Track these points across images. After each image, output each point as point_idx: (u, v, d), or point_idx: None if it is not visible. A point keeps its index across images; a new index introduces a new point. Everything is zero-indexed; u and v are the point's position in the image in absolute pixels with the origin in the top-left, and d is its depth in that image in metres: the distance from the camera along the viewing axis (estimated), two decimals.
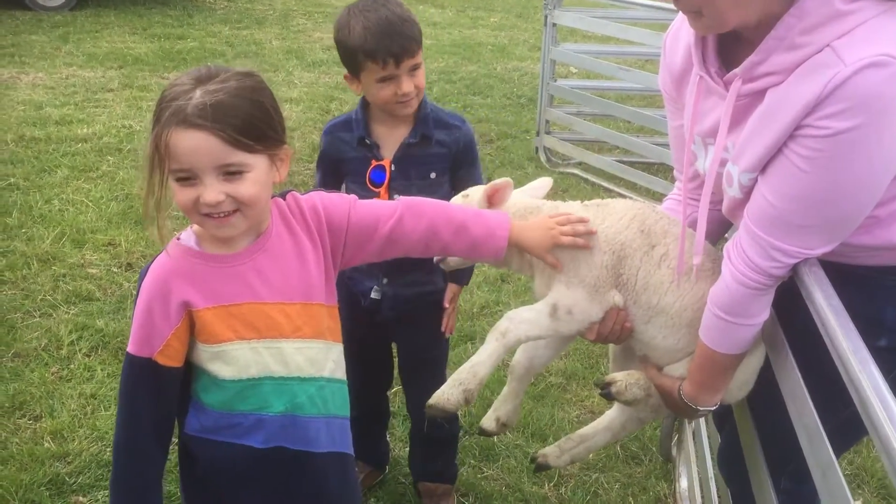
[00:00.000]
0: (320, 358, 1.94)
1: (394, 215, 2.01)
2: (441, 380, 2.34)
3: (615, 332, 2.14)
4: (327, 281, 1.97)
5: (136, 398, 1.82)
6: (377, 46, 2.38)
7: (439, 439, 2.97)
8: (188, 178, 1.69)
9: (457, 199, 2.33)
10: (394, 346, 3.01)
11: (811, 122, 1.60)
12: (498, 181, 2.21)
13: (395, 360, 3.05)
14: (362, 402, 3.01)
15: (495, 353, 2.10)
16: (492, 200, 2.22)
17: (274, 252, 1.87)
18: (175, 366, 1.82)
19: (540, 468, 2.53)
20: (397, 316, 2.71)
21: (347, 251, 2.00)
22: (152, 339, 1.78)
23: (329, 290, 1.98)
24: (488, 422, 2.39)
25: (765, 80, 1.69)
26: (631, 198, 2.33)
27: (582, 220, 2.10)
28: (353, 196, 2.04)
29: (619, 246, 2.09)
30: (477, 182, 2.56)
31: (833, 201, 1.67)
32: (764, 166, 1.74)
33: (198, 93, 1.67)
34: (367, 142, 2.57)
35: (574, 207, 2.20)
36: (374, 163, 2.56)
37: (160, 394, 1.83)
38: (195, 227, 1.85)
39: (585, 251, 2.09)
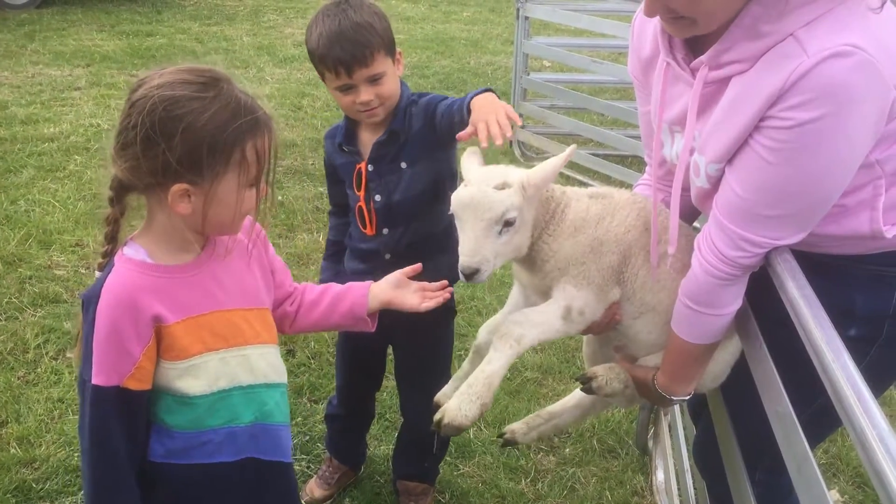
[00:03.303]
0: (279, 363, 1.92)
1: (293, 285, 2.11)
2: (443, 381, 2.31)
3: (603, 325, 2.13)
4: (269, 287, 1.97)
5: (110, 434, 1.70)
6: (327, 54, 2.34)
7: (432, 443, 2.95)
8: None
9: (492, 176, 1.97)
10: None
11: (775, 114, 1.59)
12: (568, 151, 2.00)
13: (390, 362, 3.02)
14: (351, 402, 3.01)
15: (510, 362, 1.98)
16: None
17: (222, 258, 1.83)
18: (146, 389, 1.73)
19: (507, 444, 2.50)
20: (393, 321, 2.67)
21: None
22: (121, 365, 1.67)
23: (271, 296, 1.98)
24: (447, 398, 2.24)
25: (730, 67, 1.68)
26: None
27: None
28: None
29: (627, 246, 2.04)
30: (454, 100, 2.38)
31: (799, 192, 1.66)
32: (731, 157, 1.72)
33: None
34: (345, 148, 2.55)
35: (583, 201, 2.08)
36: (357, 167, 2.53)
37: (132, 423, 1.73)
38: (140, 239, 1.76)
39: (596, 253, 2.02)
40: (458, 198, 1.93)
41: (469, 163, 2.10)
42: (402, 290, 2.15)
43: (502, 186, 1.92)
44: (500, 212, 1.90)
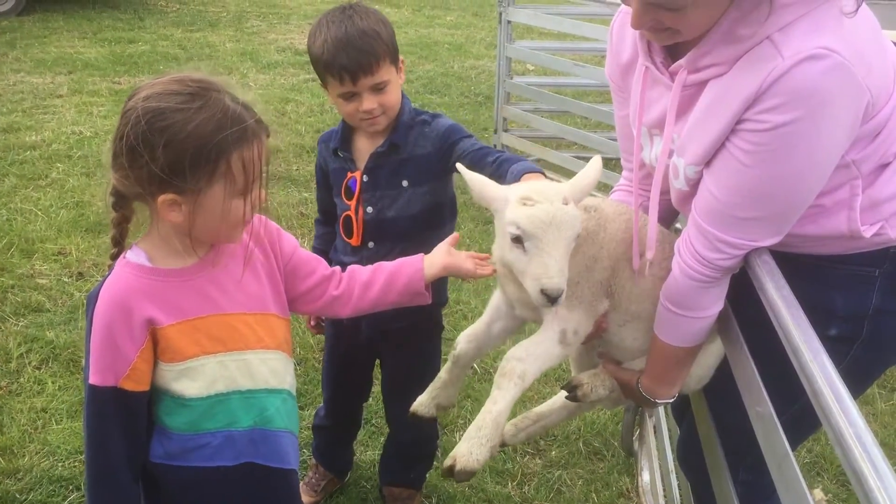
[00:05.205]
0: (282, 370, 1.91)
1: (329, 269, 2.08)
2: None
3: (591, 336, 2.13)
4: (278, 293, 1.95)
5: (106, 433, 1.73)
6: (332, 61, 2.30)
7: (419, 455, 2.97)
8: None
9: (551, 192, 1.85)
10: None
11: (751, 117, 1.60)
12: (598, 164, 1.96)
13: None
14: (338, 412, 3.00)
15: (515, 399, 1.95)
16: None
17: (226, 262, 1.83)
18: (143, 390, 1.75)
19: None
20: (377, 333, 2.66)
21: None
22: (116, 365, 1.70)
23: (281, 302, 1.95)
24: (425, 408, 2.25)
25: (708, 70, 1.69)
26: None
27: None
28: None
29: (616, 260, 2.03)
30: (485, 149, 2.29)
31: (775, 194, 1.67)
32: (709, 160, 1.74)
33: None
34: (340, 154, 2.52)
35: (580, 215, 2.02)
36: (349, 175, 2.50)
37: (130, 423, 1.75)
38: (142, 243, 1.79)
39: (590, 270, 2.01)
40: (534, 217, 1.79)
41: (482, 181, 1.93)
42: (455, 255, 2.09)
43: (566, 202, 1.83)
44: (579, 228, 1.85)
